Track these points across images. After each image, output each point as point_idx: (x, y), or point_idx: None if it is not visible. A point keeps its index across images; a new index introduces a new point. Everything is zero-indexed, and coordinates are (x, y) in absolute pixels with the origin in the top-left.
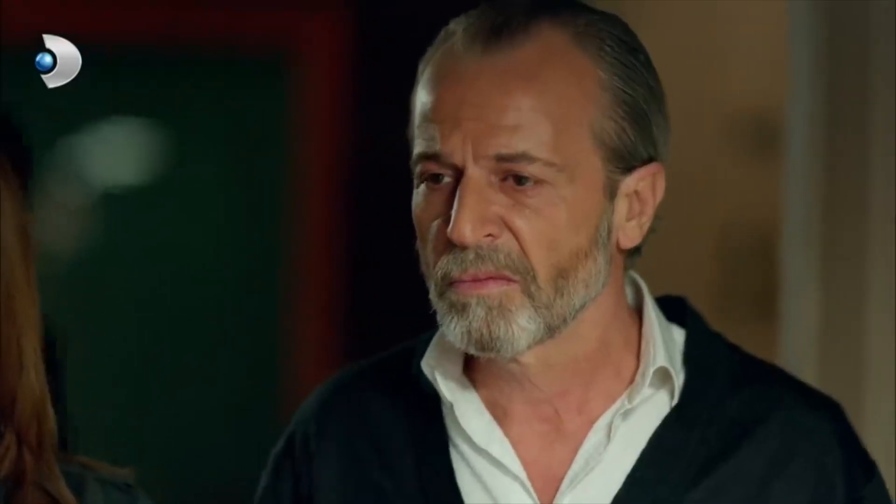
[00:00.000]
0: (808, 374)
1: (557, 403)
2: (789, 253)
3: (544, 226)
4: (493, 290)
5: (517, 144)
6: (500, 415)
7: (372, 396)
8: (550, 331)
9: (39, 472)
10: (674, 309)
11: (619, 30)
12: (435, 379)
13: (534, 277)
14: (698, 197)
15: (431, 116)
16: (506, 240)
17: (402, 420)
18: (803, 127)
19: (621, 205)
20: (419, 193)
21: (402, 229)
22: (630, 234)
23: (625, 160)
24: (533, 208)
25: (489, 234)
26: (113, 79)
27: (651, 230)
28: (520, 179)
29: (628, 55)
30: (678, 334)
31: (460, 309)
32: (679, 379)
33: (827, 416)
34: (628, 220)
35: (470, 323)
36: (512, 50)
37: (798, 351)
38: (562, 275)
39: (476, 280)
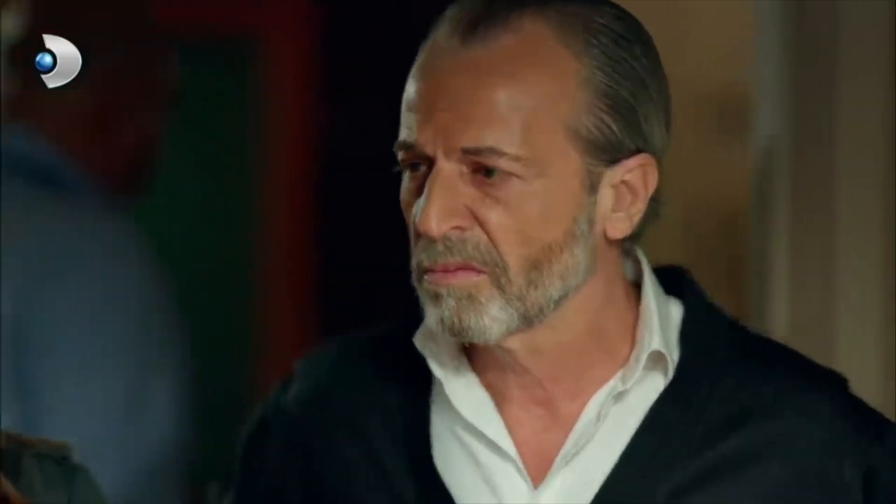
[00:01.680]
0: None
1: (550, 388)
2: (756, 235)
3: (514, 219)
4: (463, 280)
5: (485, 138)
6: (498, 397)
7: (372, 368)
8: (527, 320)
9: None
10: (672, 281)
11: (612, 19)
12: (425, 355)
13: (504, 270)
14: (664, 179)
15: (410, 106)
16: (475, 232)
17: (398, 394)
18: (769, 107)
19: (606, 196)
20: (404, 179)
21: (371, 217)
22: (618, 224)
23: (608, 153)
24: (502, 201)
25: (457, 227)
26: None
27: (655, 216)
28: (489, 172)
29: (617, 47)
30: (676, 309)
31: (434, 297)
32: (674, 357)
33: (826, 392)
34: (615, 211)
35: (443, 311)
36: (487, 43)
37: (766, 334)
38: (535, 266)
39: (446, 270)
